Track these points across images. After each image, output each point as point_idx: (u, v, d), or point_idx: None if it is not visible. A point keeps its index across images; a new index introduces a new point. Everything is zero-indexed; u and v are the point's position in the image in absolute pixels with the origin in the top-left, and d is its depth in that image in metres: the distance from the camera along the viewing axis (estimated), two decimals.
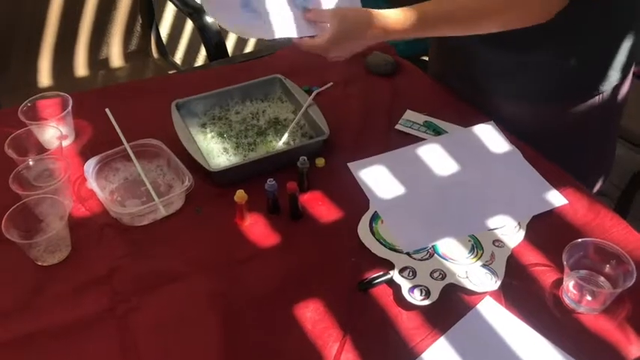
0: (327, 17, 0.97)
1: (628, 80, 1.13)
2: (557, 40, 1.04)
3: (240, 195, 0.95)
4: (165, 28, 2.39)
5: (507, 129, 1.12)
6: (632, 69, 1.13)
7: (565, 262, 0.83)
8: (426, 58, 1.36)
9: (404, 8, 0.96)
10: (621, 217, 0.96)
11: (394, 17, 0.95)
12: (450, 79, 1.24)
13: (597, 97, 1.09)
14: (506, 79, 1.12)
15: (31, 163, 1.00)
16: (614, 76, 1.08)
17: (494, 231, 0.94)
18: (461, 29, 0.98)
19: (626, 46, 1.07)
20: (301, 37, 1.00)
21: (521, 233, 0.94)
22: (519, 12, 0.93)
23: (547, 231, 0.94)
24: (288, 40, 1.02)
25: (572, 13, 0.97)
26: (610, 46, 1.06)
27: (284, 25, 1.01)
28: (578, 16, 1.00)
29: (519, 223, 0.95)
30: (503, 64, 1.11)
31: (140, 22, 2.01)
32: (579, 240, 0.85)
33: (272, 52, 1.39)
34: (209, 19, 1.73)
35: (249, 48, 2.64)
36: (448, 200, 0.99)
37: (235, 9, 1.01)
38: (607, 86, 1.08)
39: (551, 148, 1.08)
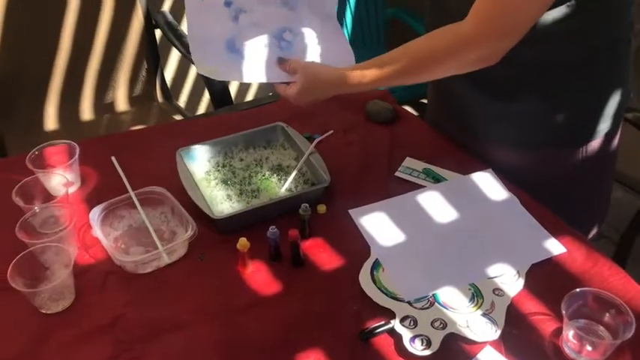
0: (298, 70, 1.08)
1: (619, 128, 1.16)
2: (542, 89, 1.07)
3: (242, 243, 0.96)
4: (170, 73, 2.44)
5: (502, 175, 1.14)
6: (622, 118, 1.15)
7: (564, 312, 0.84)
8: (426, 101, 1.40)
9: (363, 65, 1.05)
10: (622, 259, 0.97)
11: (353, 76, 1.04)
12: (447, 125, 1.27)
13: (589, 145, 1.12)
14: (498, 126, 1.15)
15: (37, 210, 1.02)
16: (604, 124, 1.11)
17: (494, 279, 0.95)
18: (416, 78, 1.03)
19: (614, 95, 1.10)
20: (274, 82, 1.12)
21: (521, 282, 0.95)
22: (461, 60, 0.97)
23: (546, 279, 0.95)
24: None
25: (553, 61, 1.01)
26: (596, 95, 1.09)
27: (258, 70, 1.11)
28: (560, 66, 1.03)
29: (518, 272, 0.96)
30: (495, 111, 1.14)
31: (146, 67, 2.06)
32: (578, 290, 0.86)
33: (274, 99, 1.42)
34: None
35: (251, 94, 2.69)
36: (448, 248, 1.01)
37: (219, 50, 1.09)
38: (598, 134, 1.11)
39: (545, 195, 1.10)
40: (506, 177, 1.14)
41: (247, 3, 1.11)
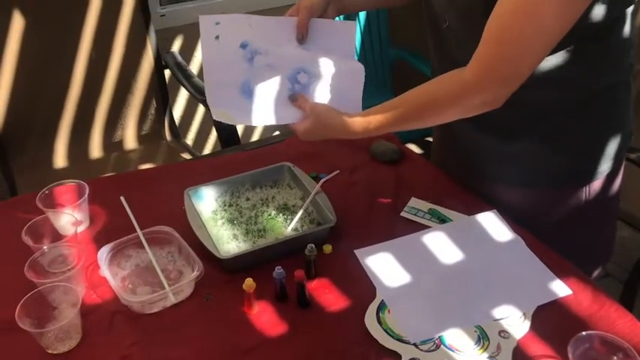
0: (307, 109, 1.12)
1: (621, 169, 1.17)
2: (542, 132, 1.09)
3: (248, 283, 0.97)
4: (178, 112, 2.47)
5: (505, 214, 1.15)
6: (624, 158, 1.17)
7: (570, 355, 0.83)
8: (430, 139, 1.42)
9: (368, 112, 1.07)
10: (629, 299, 0.96)
11: (359, 123, 1.07)
12: (451, 164, 1.29)
13: (590, 186, 1.13)
14: (500, 166, 1.17)
15: (46, 249, 1.03)
16: (605, 165, 1.12)
17: (500, 321, 0.95)
18: (420, 124, 1.05)
19: (614, 137, 1.11)
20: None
21: (527, 324, 0.94)
22: (464, 106, 0.99)
23: (552, 322, 0.95)
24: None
25: (553, 105, 1.02)
26: (596, 138, 1.11)
27: (269, 113, 1.14)
28: (559, 109, 1.05)
29: (524, 314, 0.96)
30: (496, 152, 1.15)
31: (155, 105, 2.09)
32: (584, 333, 0.86)
33: (281, 139, 1.44)
34: None
35: (257, 133, 2.72)
36: (454, 289, 1.01)
37: (233, 94, 1.11)
38: (599, 175, 1.12)
39: (548, 235, 1.10)
40: (509, 216, 1.14)
41: (263, 45, 1.13)
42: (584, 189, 1.13)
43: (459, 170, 1.26)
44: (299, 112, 1.14)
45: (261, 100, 1.13)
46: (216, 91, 1.12)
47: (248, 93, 1.13)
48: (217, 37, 1.12)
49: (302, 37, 1.14)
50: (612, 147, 1.11)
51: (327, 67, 1.14)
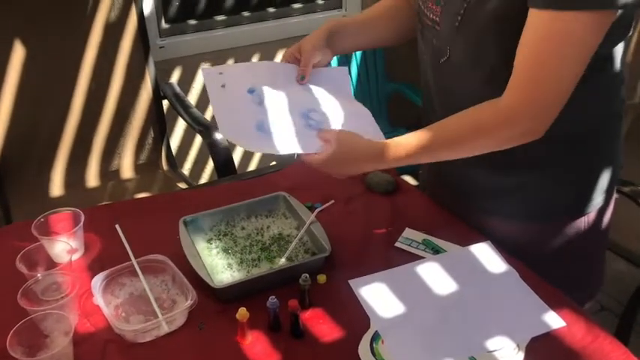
0: (330, 138, 1.06)
1: (612, 201, 1.18)
2: (535, 165, 1.10)
3: (242, 313, 0.97)
4: (175, 141, 2.49)
5: (496, 245, 1.15)
6: (615, 191, 1.18)
7: None
8: None
9: (397, 138, 1.03)
10: (625, 333, 0.96)
11: (388, 146, 1.03)
12: (440, 193, 1.30)
13: (582, 219, 1.14)
14: (491, 198, 1.17)
15: (39, 277, 1.03)
16: (598, 198, 1.13)
17: (494, 353, 0.94)
18: (449, 155, 1.04)
19: (606, 170, 1.12)
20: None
21: (521, 355, 0.94)
22: (505, 134, 0.98)
23: (546, 353, 0.95)
24: (291, 157, 1.09)
25: (548, 138, 1.03)
26: (590, 171, 1.12)
27: (290, 142, 1.08)
28: (555, 141, 1.04)
29: (518, 345, 0.96)
30: (490, 184, 1.16)
31: (152, 135, 2.11)
32: None
33: (277, 169, 1.45)
34: (218, 136, 1.82)
35: (254, 163, 2.74)
36: (447, 320, 1.01)
37: (250, 132, 1.08)
38: (592, 208, 1.13)
39: (541, 266, 1.10)
40: (499, 247, 1.15)
41: (269, 89, 1.13)
42: (575, 222, 1.14)
43: (448, 199, 1.27)
44: (320, 142, 1.08)
45: (280, 133, 1.09)
46: (233, 134, 1.09)
47: (265, 131, 1.09)
48: (223, 86, 1.13)
49: (303, 78, 1.15)
50: (605, 179, 1.13)
51: (335, 107, 1.15)
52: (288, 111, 1.12)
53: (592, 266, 1.23)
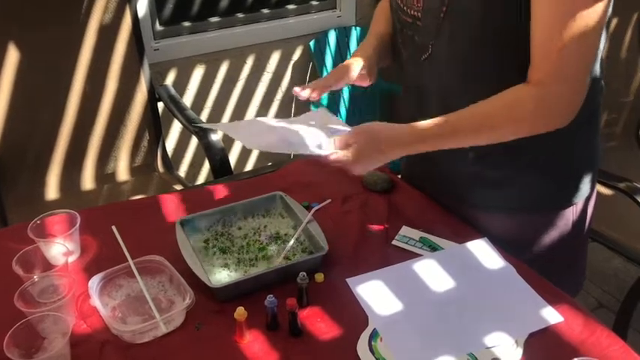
0: (351, 135, 1.04)
1: (595, 192, 1.21)
2: (529, 156, 1.11)
3: (239, 312, 0.97)
4: (171, 143, 2.48)
5: (490, 239, 1.16)
6: (596, 182, 1.21)
7: None
8: None
9: (424, 124, 1.01)
10: (622, 328, 0.96)
11: (412, 127, 1.01)
12: (427, 187, 1.30)
13: (571, 209, 1.16)
14: (479, 191, 1.18)
15: (36, 279, 1.02)
16: (584, 187, 1.15)
17: (492, 349, 0.95)
18: (472, 141, 1.03)
19: (592, 158, 1.16)
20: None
21: (519, 351, 0.94)
22: (543, 119, 0.97)
23: (544, 348, 0.95)
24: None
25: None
26: (576, 162, 1.15)
27: (315, 141, 1.06)
28: (549, 135, 1.05)
29: (516, 341, 0.96)
30: (475, 177, 1.17)
31: (147, 137, 2.10)
32: (576, 359, 0.86)
33: (273, 169, 1.45)
34: (214, 137, 1.82)
35: (250, 163, 2.73)
36: (446, 317, 1.01)
37: (271, 141, 1.07)
38: (579, 198, 1.16)
39: (532, 257, 1.12)
40: (492, 241, 1.15)
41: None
42: (567, 210, 1.16)
43: (436, 195, 1.27)
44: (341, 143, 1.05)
45: (301, 142, 1.07)
46: (256, 145, 1.09)
47: (287, 142, 1.07)
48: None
49: (301, 89, 1.12)
50: (590, 168, 1.16)
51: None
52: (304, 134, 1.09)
53: (577, 255, 1.26)
